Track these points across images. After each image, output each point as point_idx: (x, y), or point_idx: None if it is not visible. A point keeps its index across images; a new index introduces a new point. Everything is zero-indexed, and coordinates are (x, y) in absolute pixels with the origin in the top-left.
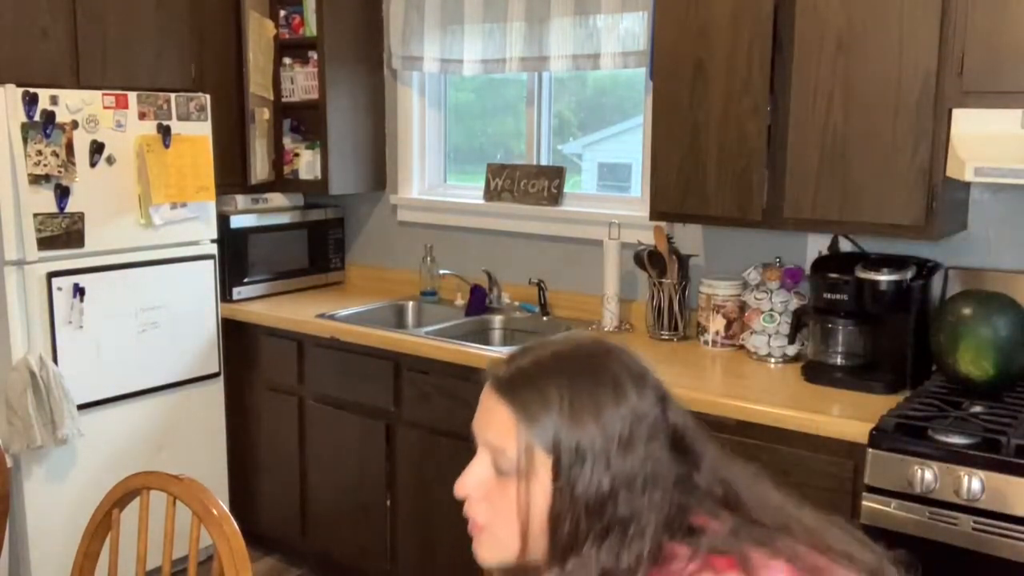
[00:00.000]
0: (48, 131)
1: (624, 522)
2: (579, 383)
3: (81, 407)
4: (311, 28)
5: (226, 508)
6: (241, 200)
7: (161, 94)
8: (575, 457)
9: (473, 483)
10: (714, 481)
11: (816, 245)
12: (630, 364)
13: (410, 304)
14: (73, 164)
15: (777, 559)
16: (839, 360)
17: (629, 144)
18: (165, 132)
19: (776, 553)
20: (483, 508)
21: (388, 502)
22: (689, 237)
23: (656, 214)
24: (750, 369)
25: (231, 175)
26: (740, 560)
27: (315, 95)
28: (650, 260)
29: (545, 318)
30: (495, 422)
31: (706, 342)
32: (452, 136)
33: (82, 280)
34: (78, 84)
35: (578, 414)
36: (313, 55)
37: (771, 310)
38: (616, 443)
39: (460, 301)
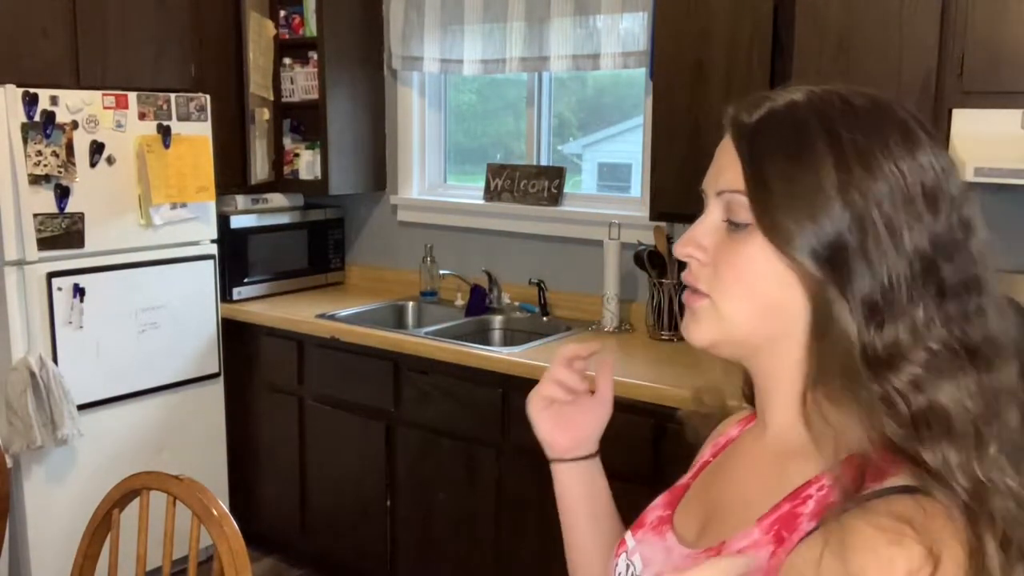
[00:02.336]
0: (48, 131)
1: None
2: (853, 124)
3: (81, 407)
4: (311, 28)
5: (226, 508)
6: (241, 200)
7: (161, 94)
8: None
9: (702, 236)
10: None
11: None
12: (920, 118)
13: (410, 304)
14: (73, 164)
15: None
16: None
17: (629, 144)
18: (165, 132)
19: None
20: (707, 273)
21: (388, 502)
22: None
23: (656, 214)
24: None
25: (231, 175)
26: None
27: (315, 95)
28: (650, 260)
29: (545, 318)
30: (735, 166)
31: None
32: (452, 136)
33: (82, 280)
34: (78, 84)
35: (861, 156)
36: (313, 55)
37: None
38: (919, 199)
39: (460, 301)
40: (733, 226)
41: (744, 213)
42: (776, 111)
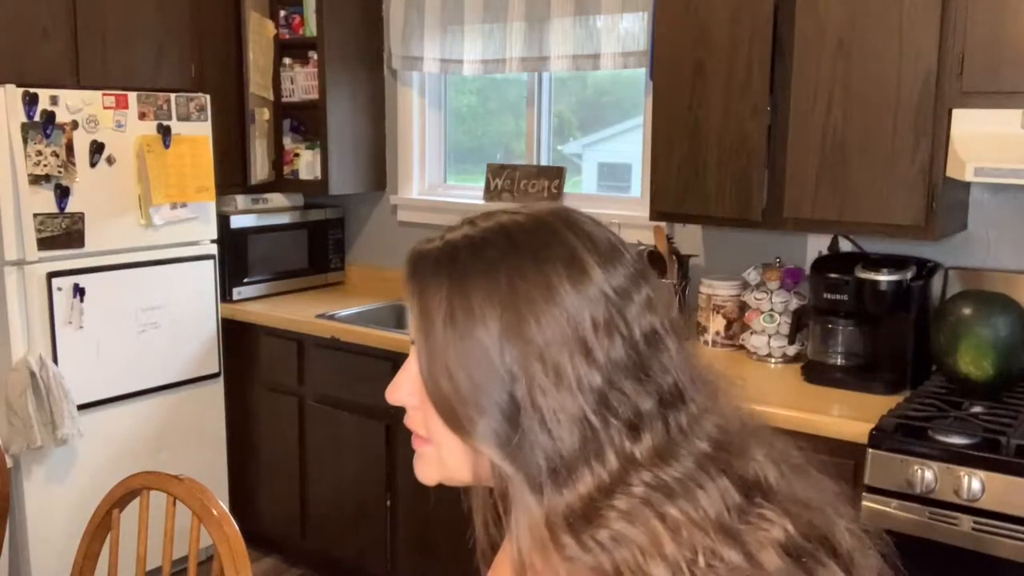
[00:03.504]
0: (48, 131)
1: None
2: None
3: (81, 407)
4: (311, 28)
5: (226, 508)
6: (241, 200)
7: (161, 94)
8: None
9: (406, 388)
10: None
11: (816, 245)
12: (588, 231)
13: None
14: (73, 164)
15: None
16: (839, 360)
17: (629, 144)
18: (165, 132)
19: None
20: (419, 418)
21: (388, 502)
22: (689, 237)
23: (656, 214)
24: (750, 369)
25: (231, 175)
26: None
27: (315, 95)
28: (650, 260)
29: None
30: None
31: (706, 342)
32: (452, 136)
33: (82, 280)
34: (78, 84)
35: (521, 310)
36: (313, 55)
37: (771, 310)
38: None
39: None
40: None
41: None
42: (443, 251)
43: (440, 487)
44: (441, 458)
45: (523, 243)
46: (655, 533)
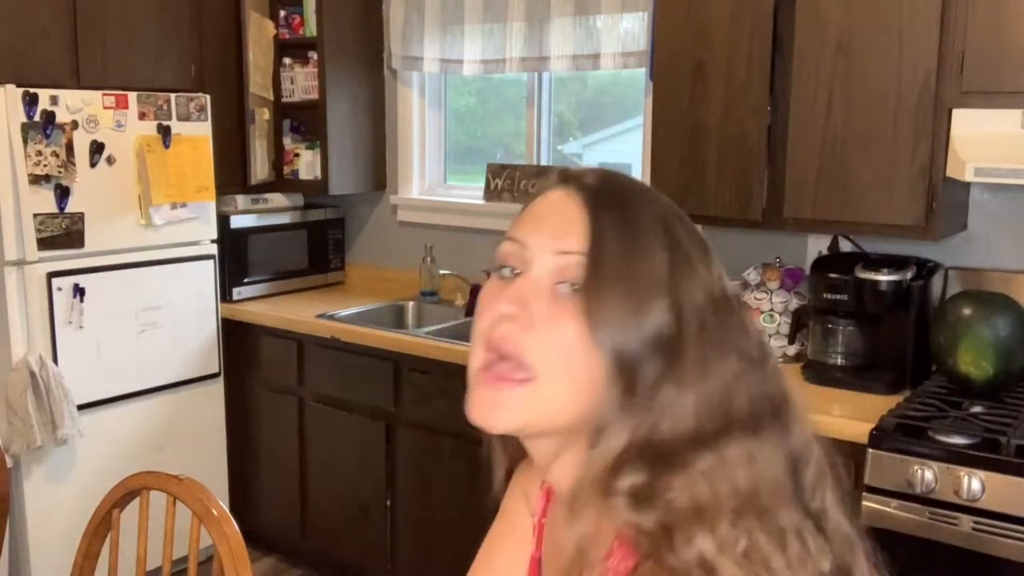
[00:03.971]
0: (48, 131)
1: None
2: (677, 221)
3: (81, 407)
4: (311, 28)
5: (226, 508)
6: (241, 200)
7: (161, 94)
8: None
9: (525, 296)
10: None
11: (816, 245)
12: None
13: (410, 304)
14: (73, 164)
15: None
16: (839, 360)
17: (629, 144)
18: (165, 132)
19: None
20: (534, 343)
21: (388, 502)
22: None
23: None
24: None
25: (231, 175)
26: None
27: (315, 95)
28: None
29: None
30: (584, 227)
31: None
32: (452, 136)
33: (82, 280)
34: (78, 84)
35: (689, 256)
36: (313, 55)
37: (771, 310)
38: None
39: (460, 301)
40: (565, 289)
41: (581, 278)
42: (622, 187)
43: (439, 488)
44: (539, 396)
45: (672, 205)
46: (720, 505)
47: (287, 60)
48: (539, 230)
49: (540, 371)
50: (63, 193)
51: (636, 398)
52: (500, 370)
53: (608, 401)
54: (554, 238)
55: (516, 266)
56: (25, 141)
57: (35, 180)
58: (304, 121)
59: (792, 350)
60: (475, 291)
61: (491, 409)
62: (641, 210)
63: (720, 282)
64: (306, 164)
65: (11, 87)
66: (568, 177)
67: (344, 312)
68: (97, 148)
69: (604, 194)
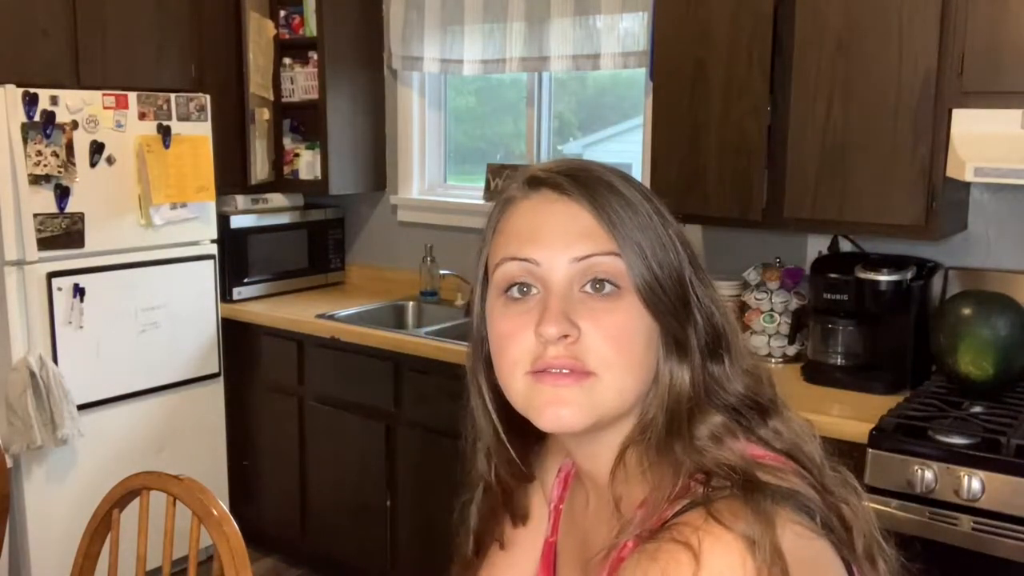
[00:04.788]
0: (48, 131)
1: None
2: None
3: (81, 407)
4: (311, 28)
5: (226, 508)
6: (241, 200)
7: (161, 94)
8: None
9: (571, 310)
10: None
11: (816, 245)
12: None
13: (410, 304)
14: (73, 164)
15: None
16: (839, 360)
17: (629, 144)
18: (165, 132)
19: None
20: (590, 344)
21: (388, 502)
22: (689, 237)
23: None
24: None
25: (231, 175)
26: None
27: (315, 95)
28: None
29: None
30: (584, 227)
31: None
32: (452, 136)
33: (82, 280)
34: (78, 84)
35: (662, 212)
36: (313, 55)
37: (771, 310)
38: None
39: (460, 301)
40: (601, 290)
41: (620, 276)
42: (588, 171)
43: (439, 488)
44: (605, 387)
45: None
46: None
47: (287, 60)
48: (543, 243)
49: (600, 370)
50: (63, 193)
51: (688, 356)
52: (563, 378)
53: (666, 370)
54: (564, 248)
55: (531, 284)
56: (25, 141)
57: (35, 180)
58: (304, 121)
59: (792, 350)
60: None
61: (562, 410)
62: (618, 185)
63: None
64: (306, 164)
65: (11, 87)
66: (538, 181)
67: (344, 312)
68: (97, 148)
69: (585, 184)
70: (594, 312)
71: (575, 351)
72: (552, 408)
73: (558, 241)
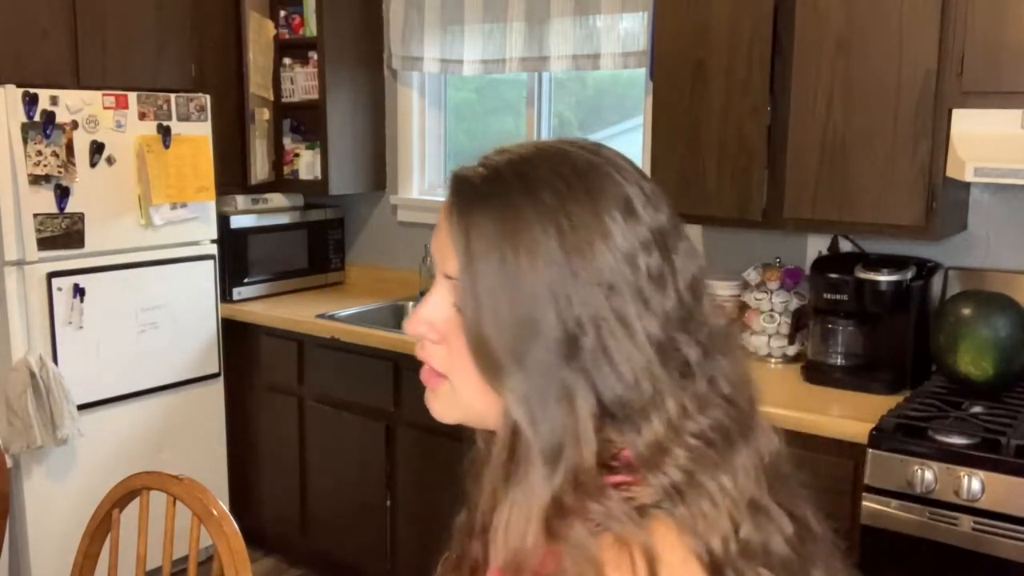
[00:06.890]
0: (48, 131)
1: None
2: (573, 200)
3: (81, 407)
4: (311, 28)
5: (226, 508)
6: (241, 200)
7: (161, 94)
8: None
9: (428, 319)
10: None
11: (816, 245)
12: (637, 174)
13: (410, 304)
14: (73, 164)
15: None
16: (839, 360)
17: (629, 144)
18: (165, 132)
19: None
20: (440, 352)
21: (388, 502)
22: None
23: None
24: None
25: (231, 175)
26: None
27: (315, 95)
28: None
29: None
30: (446, 244)
31: None
32: (452, 136)
33: (82, 280)
34: (78, 84)
35: (581, 250)
36: (313, 55)
37: (771, 310)
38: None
39: None
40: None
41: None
42: (505, 183)
43: (439, 488)
44: (458, 395)
45: (577, 185)
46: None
47: (287, 60)
48: (433, 249)
49: (449, 374)
50: (63, 193)
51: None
52: (425, 374)
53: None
54: (440, 261)
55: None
56: (25, 141)
57: (35, 180)
58: (304, 121)
59: (792, 350)
60: None
61: (430, 402)
62: (522, 207)
63: (644, 257)
64: (306, 164)
65: (11, 87)
66: (455, 180)
67: (344, 312)
68: (97, 148)
69: (482, 199)
70: (454, 325)
71: (432, 352)
72: (426, 396)
73: (437, 252)
